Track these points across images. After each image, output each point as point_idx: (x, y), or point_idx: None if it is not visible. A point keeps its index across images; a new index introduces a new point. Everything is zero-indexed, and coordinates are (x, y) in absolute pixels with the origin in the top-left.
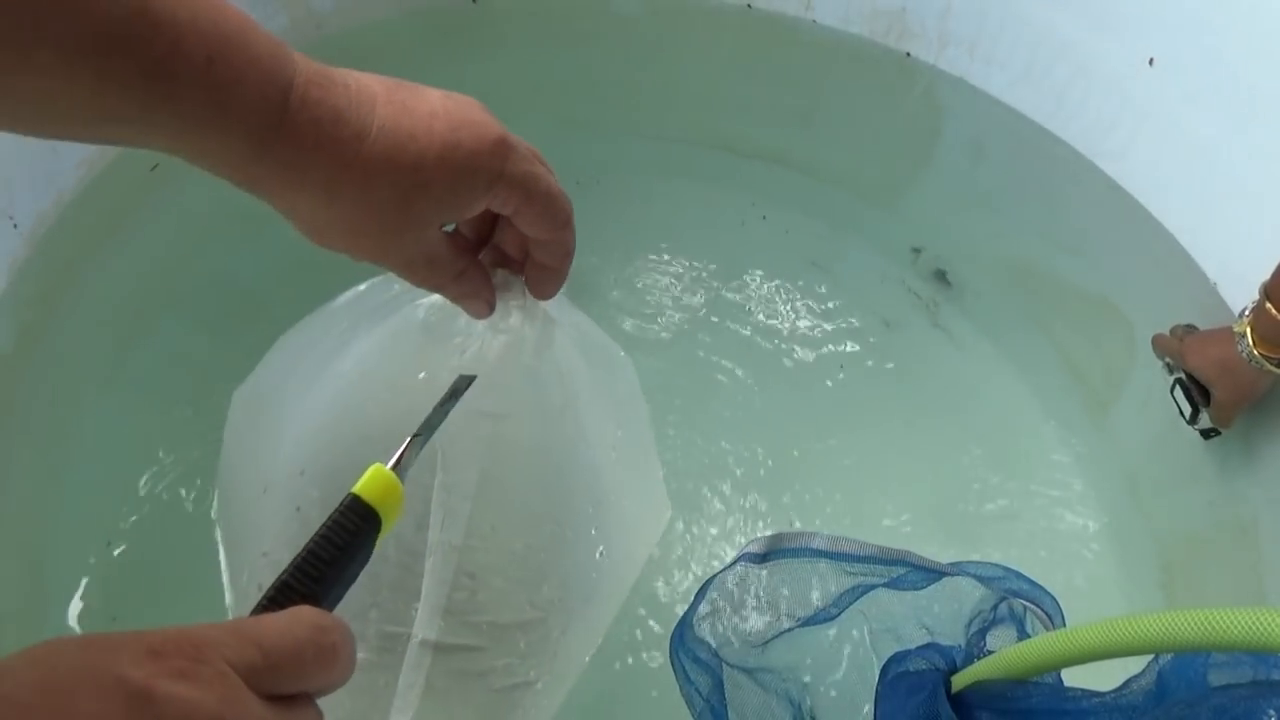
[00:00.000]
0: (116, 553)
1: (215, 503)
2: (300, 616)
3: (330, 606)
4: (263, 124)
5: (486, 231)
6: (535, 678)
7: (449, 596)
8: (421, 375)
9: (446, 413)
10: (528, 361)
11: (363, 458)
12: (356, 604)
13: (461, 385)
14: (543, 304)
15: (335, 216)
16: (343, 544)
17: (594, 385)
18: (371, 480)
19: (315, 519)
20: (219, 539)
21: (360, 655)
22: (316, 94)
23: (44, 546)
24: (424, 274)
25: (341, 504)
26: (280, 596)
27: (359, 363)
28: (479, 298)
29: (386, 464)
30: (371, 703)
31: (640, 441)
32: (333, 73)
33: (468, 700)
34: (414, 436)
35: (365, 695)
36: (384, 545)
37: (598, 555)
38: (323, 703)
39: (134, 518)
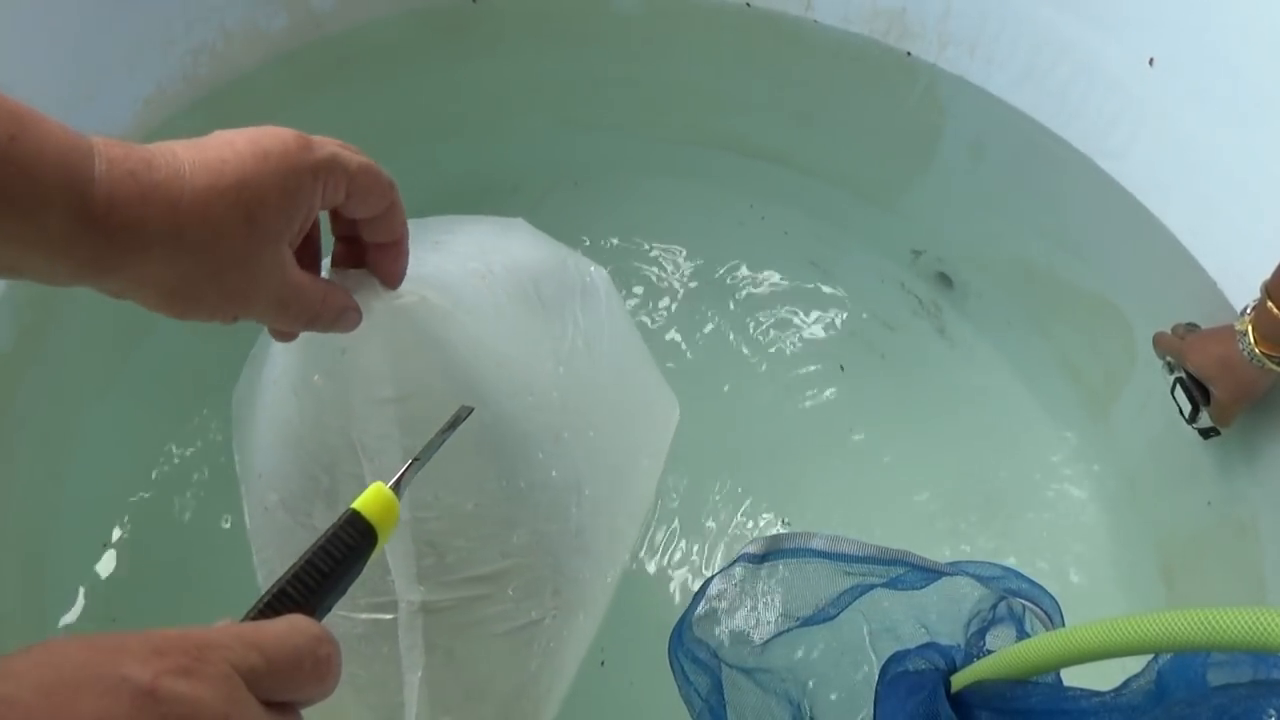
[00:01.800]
0: (116, 553)
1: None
2: (298, 626)
3: (320, 618)
4: (78, 192)
5: (313, 255)
6: (539, 615)
7: (418, 564)
8: (316, 379)
9: (445, 439)
10: (407, 344)
11: (294, 462)
12: None
13: (462, 414)
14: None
15: (189, 266)
16: (340, 557)
17: (521, 331)
18: (371, 497)
19: (281, 520)
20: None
21: (358, 630)
22: (120, 152)
23: (44, 547)
24: (295, 309)
25: (341, 518)
26: (276, 603)
27: (271, 370)
28: (348, 310)
29: (387, 483)
30: (383, 667)
31: (617, 353)
32: (122, 141)
33: (475, 648)
34: (414, 460)
35: (375, 662)
36: None
37: (575, 492)
38: (345, 672)
39: (133, 518)
